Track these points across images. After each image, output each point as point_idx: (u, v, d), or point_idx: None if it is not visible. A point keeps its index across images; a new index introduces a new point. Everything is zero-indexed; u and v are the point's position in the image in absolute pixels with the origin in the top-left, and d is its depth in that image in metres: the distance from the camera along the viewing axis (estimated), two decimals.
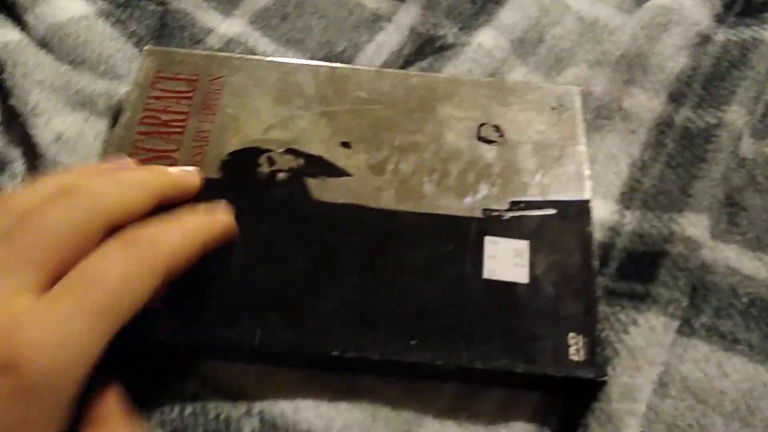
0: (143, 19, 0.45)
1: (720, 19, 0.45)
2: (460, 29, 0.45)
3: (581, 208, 0.36)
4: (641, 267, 0.36)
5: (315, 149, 0.37)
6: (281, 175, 0.36)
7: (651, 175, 0.39)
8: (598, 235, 0.38)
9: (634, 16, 0.44)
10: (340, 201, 0.35)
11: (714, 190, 0.38)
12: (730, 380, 0.33)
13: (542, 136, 0.38)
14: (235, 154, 0.36)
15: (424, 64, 0.43)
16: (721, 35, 0.44)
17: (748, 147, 0.41)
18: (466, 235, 0.34)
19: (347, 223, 0.34)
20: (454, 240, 0.34)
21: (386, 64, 0.44)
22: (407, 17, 0.46)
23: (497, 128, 0.38)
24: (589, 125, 0.41)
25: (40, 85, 0.39)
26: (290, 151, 0.37)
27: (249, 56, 0.41)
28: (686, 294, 0.35)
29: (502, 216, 0.35)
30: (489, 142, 0.38)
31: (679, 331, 0.34)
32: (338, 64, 0.40)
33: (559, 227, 0.35)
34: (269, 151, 0.37)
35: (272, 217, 0.34)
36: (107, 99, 0.39)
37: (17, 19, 0.43)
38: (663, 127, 0.41)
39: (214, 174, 0.36)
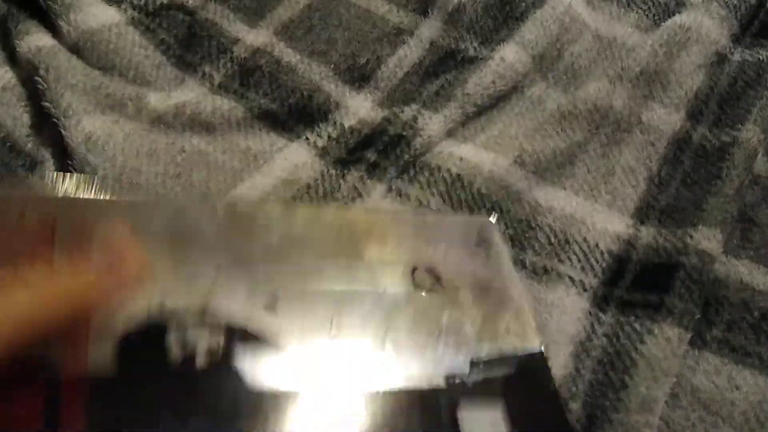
0: (172, 28, 0.46)
1: (737, 39, 0.45)
2: (482, 43, 0.46)
3: (539, 363, 0.32)
4: (656, 278, 0.36)
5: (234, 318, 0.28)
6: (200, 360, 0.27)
7: (668, 193, 0.40)
8: (613, 246, 0.38)
9: (653, 34, 0.45)
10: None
11: (727, 206, 0.38)
12: (740, 392, 0.33)
13: (477, 278, 0.34)
14: (129, 340, 0.26)
15: (449, 77, 0.44)
16: (738, 55, 0.45)
17: (762, 165, 0.42)
18: (437, 412, 0.29)
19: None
20: (427, 419, 0.28)
21: (407, 76, 0.45)
22: (429, 31, 0.47)
23: (431, 272, 0.33)
24: (608, 138, 0.42)
25: (72, 89, 0.40)
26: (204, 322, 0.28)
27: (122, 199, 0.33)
28: (699, 306, 0.35)
29: (466, 382, 0.30)
30: (427, 290, 0.32)
31: (691, 344, 0.35)
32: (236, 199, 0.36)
33: (524, 387, 0.31)
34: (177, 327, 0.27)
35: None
36: (136, 102, 0.40)
37: (50, 25, 0.44)
38: (681, 143, 0.42)
39: (104, 369, 0.25)
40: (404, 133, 0.40)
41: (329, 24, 0.47)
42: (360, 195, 0.39)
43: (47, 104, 0.40)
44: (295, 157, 0.41)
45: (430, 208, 0.39)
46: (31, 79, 0.42)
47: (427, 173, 0.40)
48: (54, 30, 0.44)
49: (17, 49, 0.43)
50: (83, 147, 0.38)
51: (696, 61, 0.43)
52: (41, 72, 0.41)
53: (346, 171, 0.40)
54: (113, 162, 0.38)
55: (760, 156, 0.41)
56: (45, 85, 0.41)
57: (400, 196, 0.39)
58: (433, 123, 0.41)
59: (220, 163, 0.40)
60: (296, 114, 0.43)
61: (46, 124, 0.40)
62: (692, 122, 0.42)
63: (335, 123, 0.42)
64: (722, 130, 0.42)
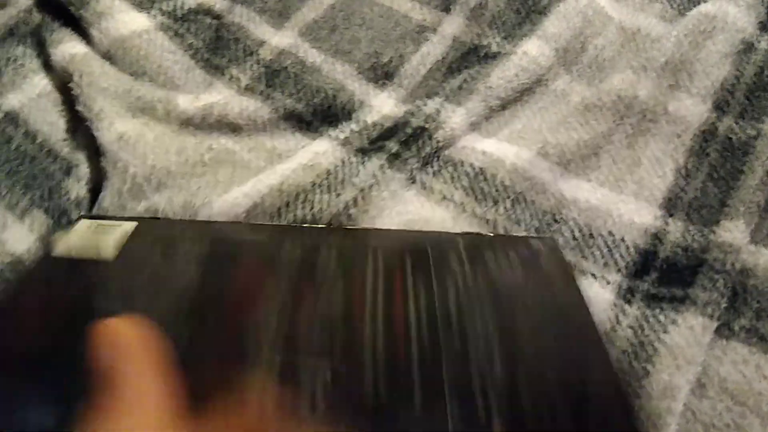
0: (200, 32, 0.47)
1: (764, 27, 0.45)
2: (504, 38, 0.46)
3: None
4: (681, 274, 0.36)
5: None
6: None
7: (694, 186, 0.40)
8: (640, 241, 0.38)
9: (678, 24, 0.44)
10: None
11: (751, 196, 0.38)
12: None
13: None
14: None
15: (471, 71, 0.44)
16: (764, 43, 0.44)
17: None
18: None
19: None
20: None
21: (431, 73, 0.45)
22: (451, 27, 0.47)
23: None
24: (633, 129, 0.41)
25: (104, 92, 0.41)
26: None
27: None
28: (725, 295, 0.35)
29: None
30: None
31: (719, 334, 0.34)
32: None
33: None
34: None
35: None
36: (166, 105, 0.41)
37: (83, 33, 0.46)
38: (707, 135, 0.41)
39: None
40: (427, 126, 0.41)
41: (352, 23, 0.47)
42: (378, 183, 0.39)
43: (81, 108, 0.41)
44: (316, 148, 0.41)
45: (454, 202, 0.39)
46: (65, 86, 0.43)
47: (450, 168, 0.40)
48: (87, 38, 0.46)
49: (52, 57, 0.44)
50: (115, 145, 0.39)
51: (722, 50, 0.43)
52: (75, 78, 0.42)
53: (366, 159, 0.40)
54: (143, 160, 0.39)
55: None
56: (79, 91, 0.42)
57: (423, 188, 0.39)
58: (456, 116, 0.41)
59: (245, 161, 0.41)
60: (321, 114, 0.43)
61: (80, 129, 0.41)
62: (718, 113, 0.42)
63: (359, 121, 0.43)
64: (748, 122, 0.41)
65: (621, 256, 0.38)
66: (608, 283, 0.37)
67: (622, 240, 0.38)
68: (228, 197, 0.37)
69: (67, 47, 0.44)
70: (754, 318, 0.35)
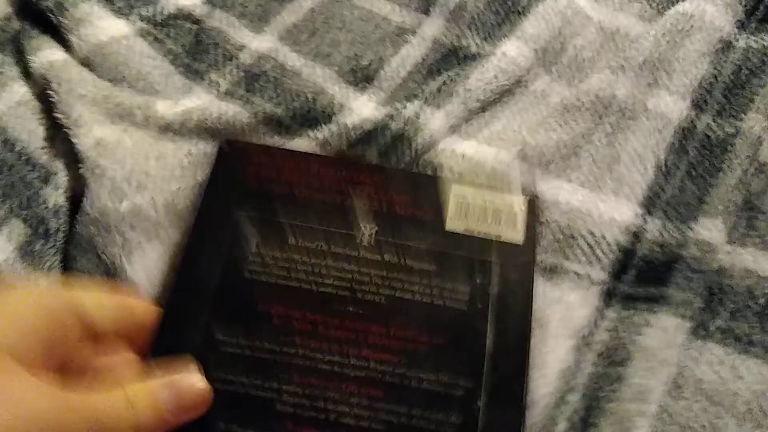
0: (179, 37, 0.47)
1: (742, 26, 0.45)
2: (484, 39, 0.46)
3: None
4: (658, 272, 0.36)
5: None
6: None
7: (673, 184, 0.40)
8: (621, 238, 0.38)
9: (656, 23, 0.44)
10: None
11: (730, 195, 0.38)
12: (743, 382, 0.33)
13: None
14: None
15: (450, 73, 0.44)
16: (742, 42, 0.44)
17: (767, 152, 0.41)
18: None
19: None
20: None
21: (410, 75, 0.45)
22: (431, 29, 0.47)
23: None
24: (612, 127, 0.41)
25: (82, 99, 0.41)
26: None
27: None
28: (700, 295, 0.35)
29: None
30: None
31: (695, 334, 0.35)
32: None
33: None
34: None
35: None
36: (145, 111, 0.41)
37: (62, 40, 0.46)
38: (686, 132, 0.42)
39: None
40: (406, 132, 0.41)
41: (332, 27, 0.47)
42: None
43: (59, 115, 0.41)
44: (295, 146, 0.41)
45: None
46: (44, 93, 0.43)
47: (430, 171, 0.40)
48: (66, 45, 0.45)
49: (31, 65, 0.44)
50: (93, 152, 0.39)
51: (700, 49, 0.43)
52: (53, 85, 0.42)
53: None
54: (122, 164, 0.39)
55: (765, 144, 0.41)
56: (57, 98, 0.42)
57: None
58: (435, 120, 0.41)
59: None
60: (300, 117, 0.43)
61: (59, 136, 0.41)
62: (697, 111, 0.42)
63: (338, 123, 0.43)
64: (726, 119, 0.41)
65: (603, 252, 0.38)
66: (592, 283, 0.37)
67: (603, 237, 0.38)
68: None
69: (46, 54, 0.44)
70: (729, 318, 0.35)
